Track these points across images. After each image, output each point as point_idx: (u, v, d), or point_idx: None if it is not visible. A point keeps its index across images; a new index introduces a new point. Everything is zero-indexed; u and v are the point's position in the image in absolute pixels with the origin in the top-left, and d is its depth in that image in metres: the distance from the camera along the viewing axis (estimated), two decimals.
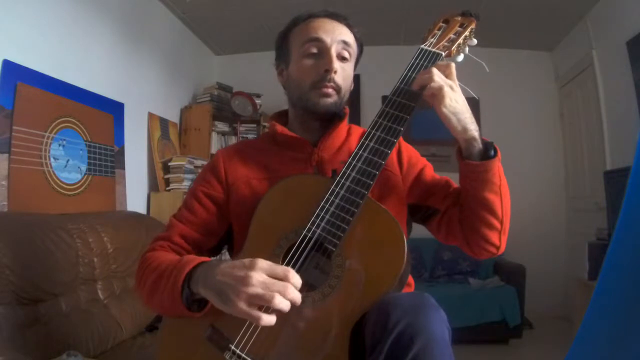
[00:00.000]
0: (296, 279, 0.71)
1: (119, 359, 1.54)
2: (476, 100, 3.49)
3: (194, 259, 0.81)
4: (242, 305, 0.68)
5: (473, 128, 0.83)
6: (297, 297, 0.70)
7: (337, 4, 2.99)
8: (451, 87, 0.81)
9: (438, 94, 0.79)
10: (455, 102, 0.80)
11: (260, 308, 0.69)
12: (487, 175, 0.84)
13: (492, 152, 0.85)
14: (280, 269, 0.71)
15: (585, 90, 3.28)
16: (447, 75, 0.82)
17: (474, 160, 0.85)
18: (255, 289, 0.68)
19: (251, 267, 0.70)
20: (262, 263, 0.71)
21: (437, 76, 0.80)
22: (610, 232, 1.98)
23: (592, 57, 3.11)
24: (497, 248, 0.90)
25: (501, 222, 0.88)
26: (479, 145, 0.85)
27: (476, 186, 0.86)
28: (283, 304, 0.68)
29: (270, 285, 0.68)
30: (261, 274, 0.69)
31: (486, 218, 0.87)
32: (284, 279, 0.69)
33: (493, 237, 0.88)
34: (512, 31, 3.51)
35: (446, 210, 0.95)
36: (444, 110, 0.80)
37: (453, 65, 0.84)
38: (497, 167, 0.85)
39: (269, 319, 0.69)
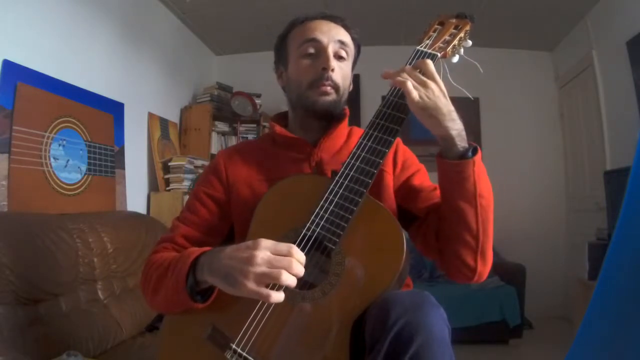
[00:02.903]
0: (300, 254, 0.71)
1: (119, 359, 1.54)
2: (476, 100, 3.49)
3: (198, 249, 0.82)
4: (251, 285, 0.68)
5: (450, 126, 0.79)
6: (302, 271, 0.70)
7: (337, 4, 2.99)
8: (424, 84, 0.78)
9: (403, 89, 0.78)
10: (426, 98, 0.77)
11: (267, 287, 0.69)
12: (458, 177, 0.80)
13: (470, 154, 0.81)
14: (284, 245, 0.71)
15: (585, 90, 3.28)
16: (425, 73, 0.80)
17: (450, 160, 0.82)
18: (262, 268, 0.69)
19: (255, 246, 0.71)
20: (266, 242, 0.71)
21: (407, 73, 0.79)
22: (610, 232, 1.98)
23: (592, 57, 3.11)
24: (473, 272, 0.84)
25: (476, 240, 0.82)
26: (456, 146, 0.81)
27: (449, 191, 0.83)
28: (290, 280, 0.68)
29: (275, 262, 0.69)
30: (266, 252, 0.70)
31: (459, 232, 0.82)
32: (288, 255, 0.70)
33: (467, 257, 0.83)
34: (512, 31, 3.52)
35: (425, 218, 0.92)
36: (412, 106, 0.79)
37: (429, 62, 0.82)
38: (472, 172, 0.80)
39: (278, 296, 0.69)
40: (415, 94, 0.77)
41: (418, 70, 0.81)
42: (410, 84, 0.78)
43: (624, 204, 1.62)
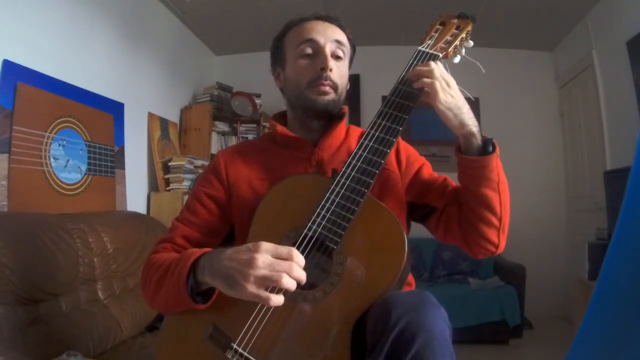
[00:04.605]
0: (300, 258, 0.71)
1: (119, 359, 1.54)
2: (476, 101, 3.49)
3: (198, 250, 0.82)
4: (251, 288, 0.69)
5: (471, 123, 0.85)
6: (302, 275, 0.70)
7: (337, 5, 2.99)
8: (447, 83, 0.82)
9: (431, 89, 0.81)
10: (450, 97, 0.82)
11: (267, 289, 0.70)
12: (484, 171, 0.85)
13: (491, 148, 0.86)
14: (285, 249, 0.71)
15: (585, 90, 3.28)
16: (442, 74, 0.84)
17: (472, 155, 0.86)
18: (262, 271, 0.69)
19: (256, 249, 0.71)
20: (267, 245, 0.72)
21: (437, 71, 0.82)
22: (610, 232, 1.97)
23: (592, 57, 3.11)
24: (496, 247, 0.91)
25: (500, 220, 0.88)
26: (477, 141, 0.86)
27: (474, 182, 0.86)
28: (290, 284, 0.68)
29: (275, 265, 0.69)
30: (266, 255, 0.70)
31: (485, 215, 0.87)
32: (288, 258, 0.70)
33: (492, 235, 0.89)
34: (512, 31, 3.52)
35: (444, 208, 0.95)
36: (439, 105, 0.82)
37: (440, 64, 0.86)
38: (496, 164, 0.86)
39: (277, 299, 0.69)
40: (442, 96, 0.81)
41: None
42: (438, 85, 0.81)
43: (624, 204, 1.62)
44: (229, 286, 0.72)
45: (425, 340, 0.66)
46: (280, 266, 0.69)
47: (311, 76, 0.95)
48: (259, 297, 0.69)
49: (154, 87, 3.05)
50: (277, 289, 0.69)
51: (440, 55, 0.89)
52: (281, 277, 0.68)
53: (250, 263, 0.69)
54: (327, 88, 0.95)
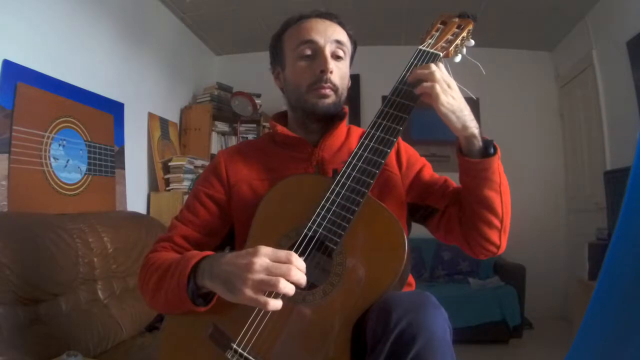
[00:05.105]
0: (299, 262, 0.71)
1: (119, 359, 1.54)
2: (476, 100, 3.49)
3: (199, 254, 0.82)
4: (249, 292, 0.69)
5: (473, 125, 0.84)
6: (302, 278, 0.70)
7: (337, 4, 2.99)
8: (448, 85, 0.82)
9: (432, 92, 0.80)
10: (452, 99, 0.81)
11: (265, 294, 0.69)
12: (486, 173, 0.85)
13: (492, 150, 0.86)
14: (283, 253, 0.71)
15: (585, 90, 3.28)
16: (442, 75, 0.83)
17: (474, 157, 0.85)
18: (260, 275, 0.69)
19: (254, 253, 0.71)
20: (265, 249, 0.71)
21: (438, 73, 0.81)
22: (610, 232, 1.98)
23: (592, 57, 3.11)
24: (497, 247, 0.90)
25: (501, 221, 0.88)
26: (479, 142, 0.85)
27: (476, 184, 0.86)
28: (288, 288, 0.68)
29: (273, 269, 0.69)
30: (264, 259, 0.70)
31: (486, 216, 0.87)
32: (287, 262, 0.70)
33: (493, 235, 0.89)
34: (512, 31, 3.52)
35: (445, 209, 0.95)
36: (441, 108, 0.81)
37: (441, 66, 0.85)
38: (497, 165, 0.86)
39: (275, 304, 0.69)
40: (444, 98, 0.80)
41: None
42: (439, 88, 0.80)
43: (624, 204, 1.62)
44: (228, 290, 0.72)
45: (426, 340, 0.66)
46: (278, 270, 0.69)
47: (311, 79, 0.94)
48: (257, 302, 0.69)
49: (154, 87, 3.05)
50: (275, 292, 0.69)
51: (441, 54, 0.89)
52: (278, 282, 0.67)
53: (248, 267, 0.69)
54: (328, 91, 0.94)
